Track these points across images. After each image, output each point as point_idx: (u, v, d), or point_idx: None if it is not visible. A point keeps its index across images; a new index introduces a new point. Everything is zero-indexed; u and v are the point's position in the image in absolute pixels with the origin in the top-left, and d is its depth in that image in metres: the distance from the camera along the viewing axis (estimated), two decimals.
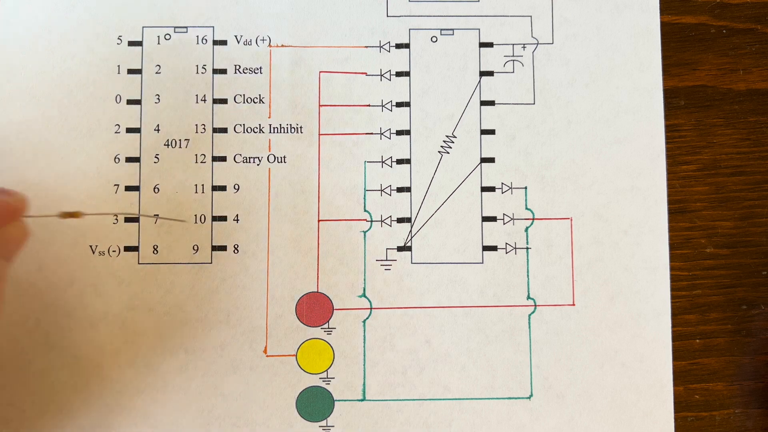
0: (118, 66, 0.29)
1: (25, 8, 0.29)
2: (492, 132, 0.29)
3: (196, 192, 0.29)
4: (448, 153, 0.29)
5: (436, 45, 0.29)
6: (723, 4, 0.30)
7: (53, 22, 0.29)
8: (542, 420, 0.28)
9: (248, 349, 0.28)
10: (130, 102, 0.29)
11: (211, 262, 0.28)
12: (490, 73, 0.29)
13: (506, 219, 0.29)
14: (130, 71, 0.29)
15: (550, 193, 0.29)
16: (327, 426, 0.28)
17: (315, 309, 0.28)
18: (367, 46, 0.29)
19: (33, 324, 0.28)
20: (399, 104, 0.29)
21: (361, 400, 0.28)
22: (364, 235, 0.29)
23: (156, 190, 0.29)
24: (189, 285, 0.28)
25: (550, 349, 0.28)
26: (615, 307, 0.28)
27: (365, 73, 0.29)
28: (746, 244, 0.29)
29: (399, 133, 0.29)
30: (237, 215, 0.29)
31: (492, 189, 0.29)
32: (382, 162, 0.29)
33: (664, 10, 0.30)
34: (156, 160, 0.29)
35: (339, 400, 0.28)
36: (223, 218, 0.29)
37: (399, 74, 0.29)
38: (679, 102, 0.30)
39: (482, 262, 0.29)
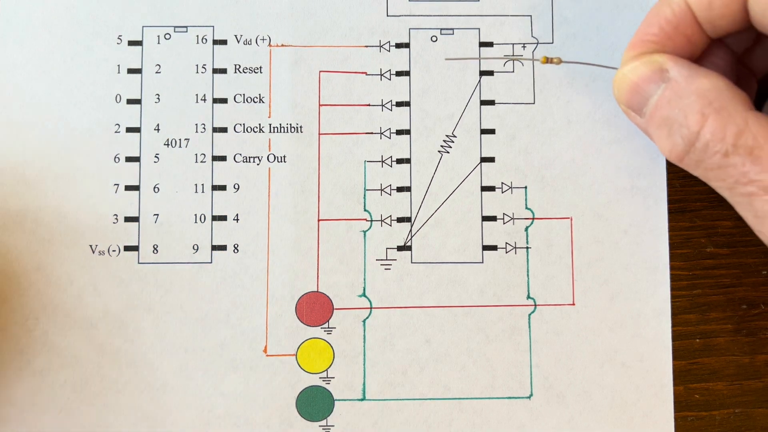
0: (118, 66, 0.29)
1: (25, 8, 0.29)
2: (492, 131, 0.29)
3: (196, 192, 0.29)
4: (448, 152, 0.29)
5: (436, 44, 0.29)
6: None
7: (53, 22, 0.29)
8: (542, 420, 0.28)
9: (248, 348, 0.28)
10: (130, 102, 0.29)
11: (211, 262, 0.28)
12: (490, 73, 0.29)
13: (506, 218, 0.29)
14: (130, 71, 0.29)
15: (550, 193, 0.29)
16: (327, 426, 0.28)
17: (315, 308, 0.28)
18: (367, 46, 0.29)
19: (32, 323, 0.28)
20: (399, 104, 0.29)
21: (361, 400, 0.28)
22: (364, 234, 0.29)
23: (156, 189, 0.29)
24: (189, 285, 0.28)
25: (550, 349, 0.28)
26: (615, 307, 0.28)
27: (365, 73, 0.29)
28: (746, 244, 0.29)
29: (399, 132, 0.29)
30: (237, 215, 0.29)
31: (492, 188, 0.29)
32: (382, 162, 0.29)
33: None
34: (156, 159, 0.29)
35: (339, 400, 0.28)
36: (223, 218, 0.29)
37: (399, 74, 0.29)
38: None
39: (482, 262, 0.29)
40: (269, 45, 0.29)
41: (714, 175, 0.22)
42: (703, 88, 0.22)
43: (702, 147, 0.22)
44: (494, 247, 0.29)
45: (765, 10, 0.21)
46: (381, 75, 0.29)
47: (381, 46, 0.29)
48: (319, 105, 0.29)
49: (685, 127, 0.22)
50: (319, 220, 0.29)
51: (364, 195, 0.29)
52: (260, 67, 0.29)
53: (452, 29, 0.29)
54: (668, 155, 0.23)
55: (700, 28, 0.23)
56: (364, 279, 0.29)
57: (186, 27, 0.29)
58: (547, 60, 0.26)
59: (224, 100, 0.29)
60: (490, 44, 0.29)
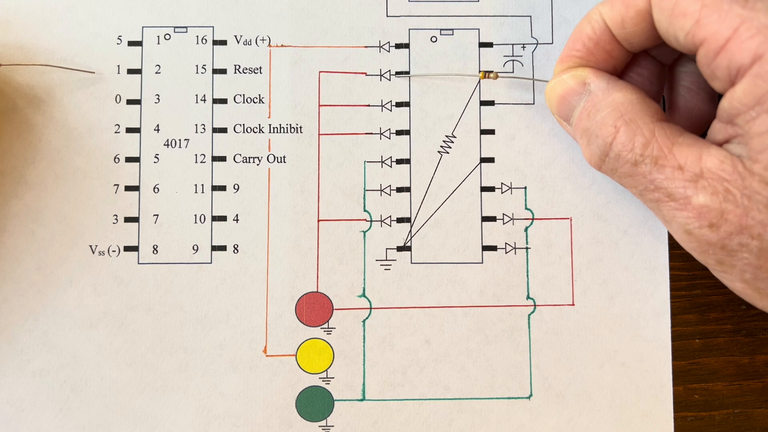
0: (118, 66, 0.29)
1: (25, 8, 0.29)
2: (492, 132, 0.29)
3: (196, 192, 0.29)
4: (447, 153, 0.29)
5: (436, 45, 0.29)
6: None
7: (53, 22, 0.29)
8: (542, 420, 0.28)
9: (248, 348, 0.28)
10: (130, 102, 0.29)
11: (210, 262, 0.28)
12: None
13: (506, 219, 0.29)
14: (130, 71, 0.29)
15: (549, 193, 0.29)
16: (327, 426, 0.28)
17: (315, 309, 0.28)
18: (366, 46, 0.29)
19: (32, 323, 0.28)
20: (399, 104, 0.29)
21: (361, 400, 0.28)
22: (364, 235, 0.29)
23: (156, 190, 0.29)
24: (188, 285, 0.28)
25: (550, 349, 0.28)
26: (614, 307, 0.28)
27: (365, 73, 0.29)
28: None
29: (399, 133, 0.29)
30: (237, 215, 0.29)
31: (492, 189, 0.29)
32: (382, 162, 0.29)
33: None
34: (156, 160, 0.29)
35: (339, 400, 0.28)
36: (223, 218, 0.29)
37: (399, 74, 0.29)
38: None
39: (482, 262, 0.29)
40: (269, 45, 0.29)
41: (626, 182, 0.24)
42: (617, 101, 0.24)
43: (614, 157, 0.24)
44: (494, 248, 0.29)
45: (668, 27, 0.23)
46: (381, 75, 0.29)
47: (381, 47, 0.29)
48: (319, 105, 0.29)
49: (600, 138, 0.24)
50: (318, 221, 0.29)
51: (364, 195, 0.29)
52: (260, 68, 0.29)
53: (452, 30, 0.29)
54: (589, 162, 0.25)
55: (619, 45, 0.25)
56: (364, 279, 0.29)
57: (186, 27, 0.29)
58: (486, 75, 0.28)
59: (224, 101, 0.29)
60: (489, 45, 0.29)
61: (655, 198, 0.23)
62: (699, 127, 0.27)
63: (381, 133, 0.29)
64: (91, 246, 0.28)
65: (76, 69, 0.28)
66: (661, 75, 0.27)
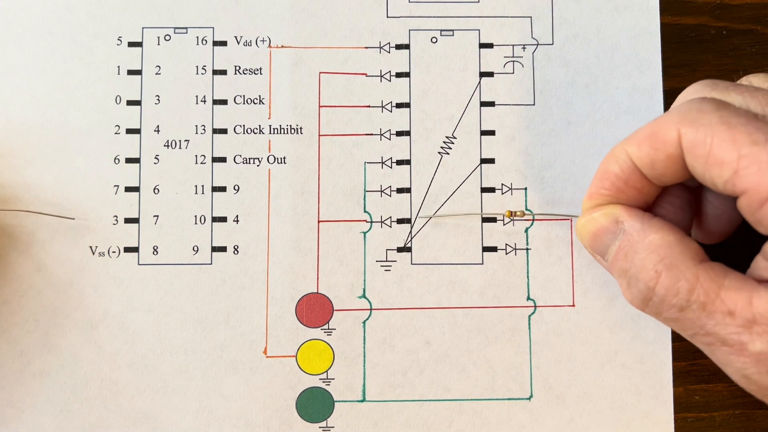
0: (118, 67, 0.29)
1: (25, 8, 0.29)
2: (492, 133, 0.29)
3: (196, 193, 0.29)
4: (448, 154, 0.29)
5: (436, 46, 0.29)
6: (723, 5, 0.30)
7: (53, 23, 0.29)
8: (542, 421, 0.28)
9: (248, 349, 0.28)
10: (130, 103, 0.29)
11: (210, 263, 0.28)
12: (490, 74, 0.29)
13: (506, 220, 0.29)
14: (130, 72, 0.29)
15: (550, 194, 0.29)
16: (327, 427, 0.28)
17: (315, 310, 0.28)
18: (367, 47, 0.29)
19: (32, 324, 0.28)
20: (399, 105, 0.29)
21: (361, 401, 0.28)
22: (364, 236, 0.29)
23: (156, 191, 0.29)
24: (189, 286, 0.28)
25: (550, 350, 0.28)
26: (615, 308, 0.28)
27: (365, 74, 0.29)
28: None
29: (399, 134, 0.29)
30: (237, 216, 0.29)
31: (492, 190, 0.29)
32: (382, 163, 0.29)
33: (664, 10, 0.30)
34: (156, 160, 0.29)
35: (339, 401, 0.28)
36: (223, 219, 0.29)
37: (399, 75, 0.29)
38: None
39: (482, 263, 0.29)
40: (269, 46, 0.29)
41: (674, 325, 0.23)
42: (654, 243, 0.23)
43: (658, 302, 0.23)
44: (494, 249, 0.29)
45: (704, 173, 0.22)
46: (381, 76, 0.29)
47: (381, 48, 0.29)
48: (319, 106, 0.29)
49: (641, 282, 0.23)
50: (319, 222, 0.29)
51: (364, 196, 0.29)
52: (260, 69, 0.29)
53: (452, 30, 0.29)
54: (630, 303, 0.24)
55: (648, 181, 0.24)
56: (364, 280, 0.29)
57: (186, 28, 0.29)
58: (512, 214, 0.28)
59: (224, 102, 0.29)
60: (490, 45, 0.29)
61: (708, 342, 0.22)
62: (726, 228, 0.26)
63: (381, 134, 0.29)
64: (91, 247, 0.28)
65: (55, 215, 0.28)
66: (691, 200, 0.26)
